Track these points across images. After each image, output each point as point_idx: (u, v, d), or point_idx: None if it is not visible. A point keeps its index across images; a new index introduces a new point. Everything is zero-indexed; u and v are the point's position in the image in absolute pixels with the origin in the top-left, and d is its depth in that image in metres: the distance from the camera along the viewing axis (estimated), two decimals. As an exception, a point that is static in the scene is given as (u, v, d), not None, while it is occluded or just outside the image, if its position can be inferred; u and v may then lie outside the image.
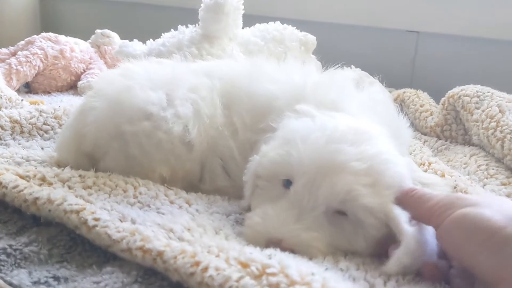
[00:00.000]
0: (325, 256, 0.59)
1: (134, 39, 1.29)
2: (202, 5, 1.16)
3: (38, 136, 0.99)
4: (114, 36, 1.68)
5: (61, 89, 1.53)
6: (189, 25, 1.24)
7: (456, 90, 1.16)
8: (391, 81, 1.47)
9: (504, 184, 0.88)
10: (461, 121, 1.14)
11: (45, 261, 0.60)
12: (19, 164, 0.83)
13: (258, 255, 0.50)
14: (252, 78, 0.84)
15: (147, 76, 0.82)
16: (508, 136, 0.95)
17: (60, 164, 0.84)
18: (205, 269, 0.49)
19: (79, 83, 1.50)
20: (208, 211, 0.70)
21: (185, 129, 0.77)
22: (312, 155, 0.62)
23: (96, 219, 0.60)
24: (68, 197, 0.64)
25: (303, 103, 0.74)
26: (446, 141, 1.15)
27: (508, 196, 0.85)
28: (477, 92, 1.11)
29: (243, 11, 1.24)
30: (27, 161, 0.84)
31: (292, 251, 0.58)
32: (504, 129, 0.97)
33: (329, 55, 1.41)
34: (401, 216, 0.59)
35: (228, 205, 0.74)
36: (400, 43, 1.85)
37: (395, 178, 0.62)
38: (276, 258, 0.49)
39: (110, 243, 0.57)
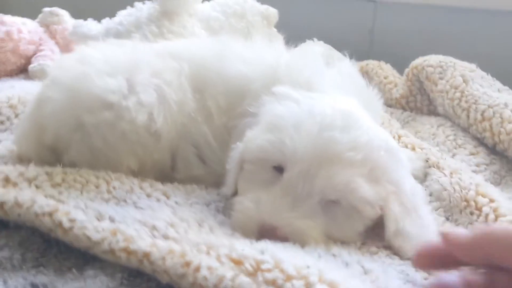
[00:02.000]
0: (318, 243, 0.59)
1: (88, 18, 1.21)
2: (159, -19, 1.11)
3: (-6, 128, 0.93)
4: (64, 14, 1.58)
5: (11, 73, 1.44)
6: (146, 1, 1.18)
7: (419, 61, 1.17)
8: (350, 52, 1.48)
9: (472, 154, 0.91)
10: (425, 91, 1.16)
11: (19, 267, 0.57)
12: (-25, 161, 0.78)
13: (250, 251, 0.49)
14: (222, 59, 0.81)
15: (105, 61, 0.77)
16: (474, 106, 0.97)
17: (21, 158, 0.79)
18: (197, 269, 0.47)
19: (30, 66, 1.41)
20: (188, 202, 0.68)
21: (150, 118, 0.73)
22: (306, 144, 0.61)
23: (72, 220, 0.57)
24: (37, 198, 0.60)
25: (278, 84, 0.73)
26: (411, 112, 1.17)
27: (477, 166, 0.87)
28: (440, 62, 1.12)
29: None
30: (-16, 156, 0.79)
31: (286, 239, 0.58)
32: (469, 99, 0.99)
33: (287, 27, 1.40)
34: (396, 212, 0.61)
35: (207, 194, 0.72)
36: (358, 13, 1.85)
37: (390, 164, 0.63)
38: (269, 253, 0.48)
39: (90, 245, 0.55)
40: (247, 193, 0.65)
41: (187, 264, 0.48)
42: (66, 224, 0.57)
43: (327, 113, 0.64)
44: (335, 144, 0.61)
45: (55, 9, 1.58)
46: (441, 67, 1.11)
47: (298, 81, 0.75)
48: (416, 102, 1.17)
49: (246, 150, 0.67)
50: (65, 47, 1.56)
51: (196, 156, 0.78)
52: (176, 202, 0.67)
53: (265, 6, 1.33)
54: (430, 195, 0.78)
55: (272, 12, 1.32)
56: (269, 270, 0.46)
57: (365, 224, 0.64)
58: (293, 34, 1.43)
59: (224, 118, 0.77)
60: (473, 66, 1.09)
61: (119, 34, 1.04)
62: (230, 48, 0.84)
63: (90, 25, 1.10)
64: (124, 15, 1.09)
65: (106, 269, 0.54)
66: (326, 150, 0.61)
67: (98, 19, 1.26)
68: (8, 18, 1.44)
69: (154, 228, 0.56)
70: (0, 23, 1.41)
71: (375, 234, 0.64)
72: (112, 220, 0.58)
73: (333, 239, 0.62)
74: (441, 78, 1.09)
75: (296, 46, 1.55)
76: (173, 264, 0.48)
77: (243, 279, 0.45)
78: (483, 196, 0.71)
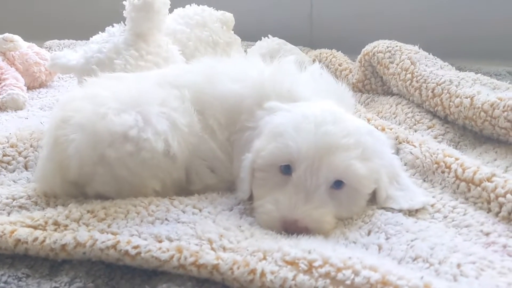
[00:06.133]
0: (333, 228, 0.73)
1: (64, 49, 1.26)
2: (127, 5, 1.16)
3: (3, 170, 0.97)
4: (18, 39, 1.59)
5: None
6: (115, 24, 1.24)
7: (368, 47, 1.32)
8: (291, 39, 1.61)
9: (430, 127, 1.08)
10: (378, 74, 1.31)
11: (96, 293, 0.66)
12: (7, 205, 0.83)
13: (300, 253, 0.60)
14: (213, 81, 0.91)
15: (115, 98, 0.85)
16: (424, 85, 1.13)
17: (47, 195, 0.86)
18: (263, 274, 0.58)
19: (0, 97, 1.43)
20: (216, 211, 0.78)
21: (167, 144, 0.83)
22: (307, 141, 0.74)
23: (135, 247, 0.66)
24: (95, 235, 0.69)
25: (266, 98, 0.86)
26: (369, 94, 1.32)
27: (435, 138, 1.04)
28: (387, 47, 1.28)
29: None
30: (13, 200, 0.84)
31: (306, 229, 0.71)
32: (419, 79, 1.15)
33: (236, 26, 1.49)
34: (385, 183, 0.77)
35: (226, 200, 0.83)
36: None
37: (375, 143, 0.79)
38: (316, 252, 0.60)
39: (159, 264, 0.64)
40: (264, 196, 0.77)
41: (253, 271, 0.59)
42: (132, 252, 0.66)
43: (317, 113, 0.78)
44: (330, 135, 0.75)
45: (8, 35, 1.58)
46: (389, 51, 1.26)
47: (281, 93, 0.88)
48: (371, 85, 1.33)
49: (258, 158, 0.79)
50: (26, 72, 1.58)
51: (207, 168, 0.89)
52: (209, 212, 0.77)
53: (221, 12, 1.42)
54: (405, 164, 0.93)
55: (229, 16, 1.41)
56: (321, 266, 0.57)
57: (366, 199, 0.79)
58: (242, 31, 1.54)
59: (226, 133, 0.89)
60: (416, 48, 1.26)
61: (100, 62, 1.10)
62: (217, 69, 0.94)
63: (68, 56, 1.14)
64: (100, 42, 1.14)
65: (175, 280, 0.64)
66: (325, 141, 0.74)
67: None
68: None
69: (209, 241, 0.66)
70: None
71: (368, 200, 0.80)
72: (169, 239, 0.68)
73: (341, 220, 0.76)
74: (391, 62, 1.24)
75: (251, 42, 1.65)
76: (241, 274, 0.59)
77: (302, 277, 0.57)
78: (450, 156, 0.87)
